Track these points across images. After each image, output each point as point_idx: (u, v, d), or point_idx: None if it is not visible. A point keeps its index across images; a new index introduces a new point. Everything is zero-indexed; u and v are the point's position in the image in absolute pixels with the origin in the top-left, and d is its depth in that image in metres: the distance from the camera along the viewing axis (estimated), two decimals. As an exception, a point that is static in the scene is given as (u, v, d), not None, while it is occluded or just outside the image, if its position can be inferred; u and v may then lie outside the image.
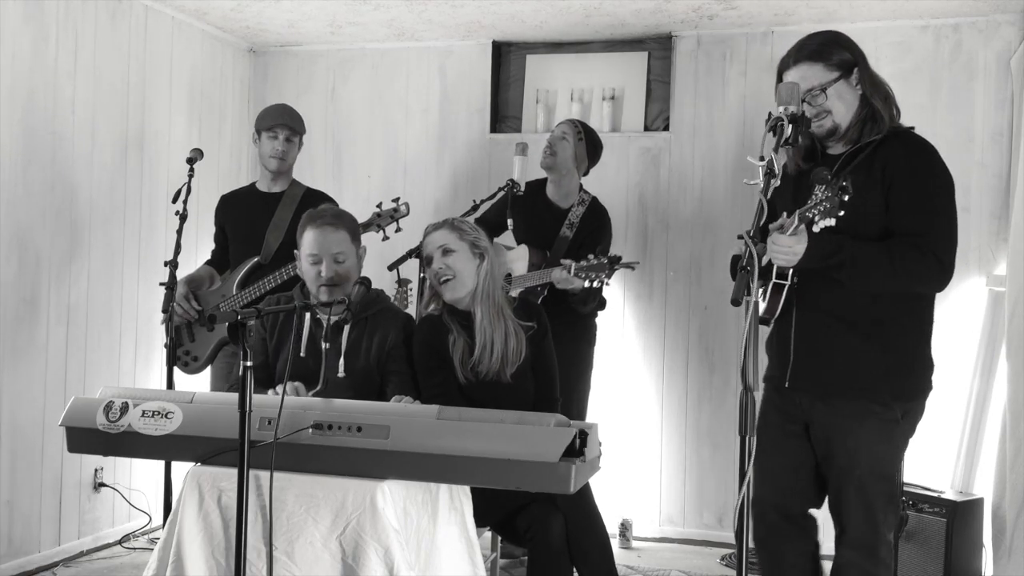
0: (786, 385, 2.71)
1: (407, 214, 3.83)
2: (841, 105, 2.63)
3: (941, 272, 2.55)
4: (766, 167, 2.37)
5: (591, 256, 3.74)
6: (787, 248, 2.42)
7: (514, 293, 3.86)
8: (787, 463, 2.74)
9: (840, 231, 2.44)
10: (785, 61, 2.70)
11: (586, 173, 4.23)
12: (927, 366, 2.68)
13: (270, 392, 2.86)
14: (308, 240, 3.11)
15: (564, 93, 5.16)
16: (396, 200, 3.84)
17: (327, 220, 3.12)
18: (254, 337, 2.42)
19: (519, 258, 4.03)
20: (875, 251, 2.51)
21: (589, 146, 4.18)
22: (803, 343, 2.67)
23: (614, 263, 3.74)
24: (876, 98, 2.64)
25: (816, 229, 2.37)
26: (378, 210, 3.80)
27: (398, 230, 3.83)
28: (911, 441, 2.71)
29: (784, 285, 2.58)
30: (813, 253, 2.44)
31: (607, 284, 3.76)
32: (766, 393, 2.84)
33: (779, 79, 2.68)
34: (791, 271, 2.55)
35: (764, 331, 2.68)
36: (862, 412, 2.59)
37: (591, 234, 4.05)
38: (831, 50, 2.65)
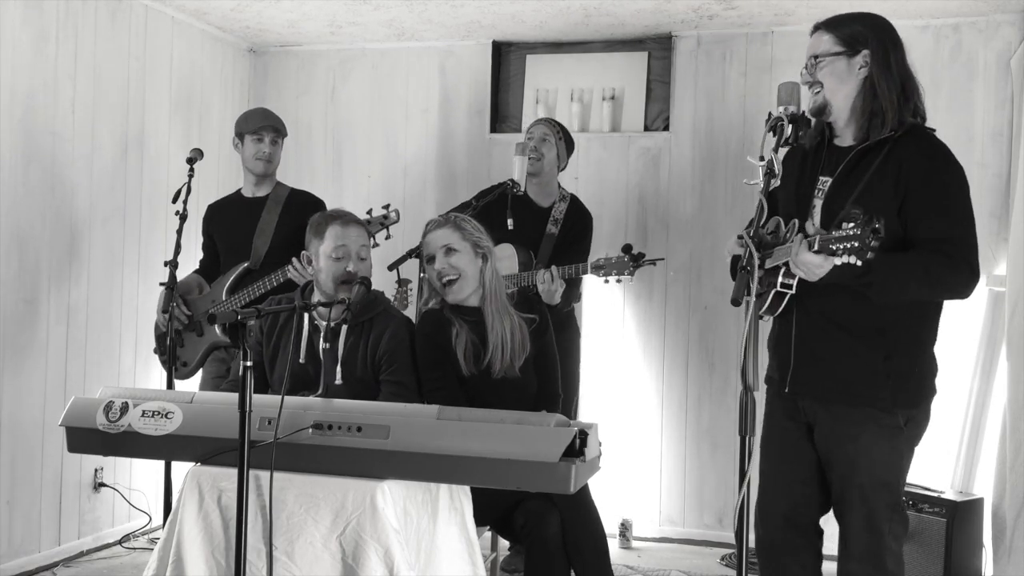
0: (786, 390, 2.64)
1: (397, 221, 3.79)
2: (833, 81, 2.54)
3: (971, 278, 2.46)
4: (766, 167, 2.36)
5: (609, 255, 3.65)
6: (814, 266, 2.29)
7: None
8: (796, 471, 2.66)
9: None
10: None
11: (564, 168, 4.29)
12: (930, 370, 2.61)
13: None
14: (335, 235, 3.11)
15: (564, 93, 5.16)
16: (386, 207, 3.79)
17: (351, 218, 3.19)
18: (252, 338, 2.44)
19: (505, 257, 4.01)
20: (907, 266, 2.41)
21: (568, 143, 4.26)
22: (804, 348, 2.59)
23: (638, 259, 3.64)
24: (884, 88, 2.53)
25: (837, 262, 2.21)
26: (368, 216, 3.71)
27: (388, 237, 3.79)
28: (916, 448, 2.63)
29: (787, 293, 2.49)
30: (843, 271, 2.27)
31: (630, 280, 3.67)
32: (769, 396, 2.74)
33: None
34: (796, 279, 2.44)
35: (765, 328, 2.64)
36: (863, 419, 2.52)
37: (575, 232, 4.03)
38: (847, 25, 2.58)
